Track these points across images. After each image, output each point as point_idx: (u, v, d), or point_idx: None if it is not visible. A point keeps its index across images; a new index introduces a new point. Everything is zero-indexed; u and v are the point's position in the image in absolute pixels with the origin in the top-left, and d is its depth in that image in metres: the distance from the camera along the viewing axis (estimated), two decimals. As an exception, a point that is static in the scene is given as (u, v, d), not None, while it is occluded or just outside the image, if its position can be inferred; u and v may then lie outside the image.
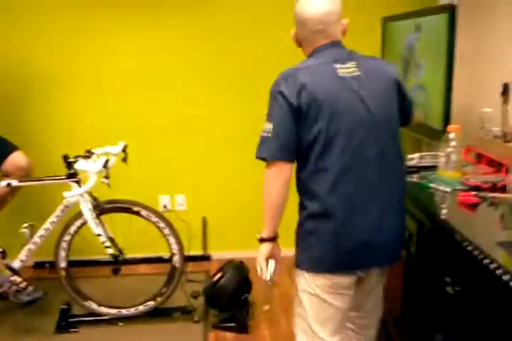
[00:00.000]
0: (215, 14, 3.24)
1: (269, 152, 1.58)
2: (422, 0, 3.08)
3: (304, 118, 1.55)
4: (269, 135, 1.57)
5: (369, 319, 1.84)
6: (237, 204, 3.49)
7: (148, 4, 3.19)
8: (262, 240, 1.68)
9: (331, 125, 1.54)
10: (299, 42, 1.71)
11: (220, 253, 3.45)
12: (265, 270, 1.69)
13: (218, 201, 3.49)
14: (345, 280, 1.63)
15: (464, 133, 2.53)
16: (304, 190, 1.64)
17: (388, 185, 1.63)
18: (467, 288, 1.47)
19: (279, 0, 3.16)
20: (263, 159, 1.61)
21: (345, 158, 1.56)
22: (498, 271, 1.26)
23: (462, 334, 1.52)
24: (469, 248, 1.40)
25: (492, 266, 1.28)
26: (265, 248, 1.68)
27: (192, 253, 3.41)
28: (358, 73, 1.59)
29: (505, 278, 1.22)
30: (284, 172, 1.58)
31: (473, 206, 1.73)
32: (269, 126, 1.58)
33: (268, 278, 1.70)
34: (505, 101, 2.21)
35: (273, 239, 1.68)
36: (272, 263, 1.70)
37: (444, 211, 1.81)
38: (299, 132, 1.57)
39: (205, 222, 3.51)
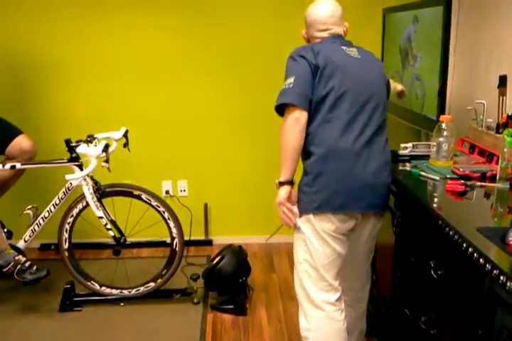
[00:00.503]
0: (218, 5, 3.28)
1: (291, 98, 1.78)
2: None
3: (320, 75, 1.79)
4: (291, 86, 1.78)
5: (362, 291, 2.06)
6: (239, 191, 3.56)
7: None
8: (281, 183, 1.84)
9: (343, 83, 1.80)
10: (308, 40, 2.01)
11: (221, 239, 3.54)
12: (291, 210, 1.85)
13: (220, 187, 3.56)
14: (347, 224, 1.85)
15: (460, 124, 2.59)
16: (312, 139, 1.82)
17: (383, 146, 1.88)
18: (449, 271, 1.54)
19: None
20: (281, 110, 1.81)
21: (352, 111, 1.81)
22: (475, 255, 1.32)
23: (445, 315, 1.60)
24: (451, 233, 1.47)
25: (470, 250, 1.35)
26: (284, 191, 1.84)
27: (194, 238, 3.52)
28: (358, 56, 1.90)
29: (482, 261, 1.29)
30: (301, 120, 1.78)
31: (460, 194, 1.79)
32: (290, 80, 1.80)
33: (299, 223, 1.86)
34: (502, 93, 2.25)
35: (290, 182, 1.84)
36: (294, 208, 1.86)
37: (430, 198, 1.87)
38: (314, 85, 1.80)
39: (206, 208, 3.58)
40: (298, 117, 1.77)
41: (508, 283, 1.17)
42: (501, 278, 1.19)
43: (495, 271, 1.22)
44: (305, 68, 1.80)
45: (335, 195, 1.80)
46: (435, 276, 1.60)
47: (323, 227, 1.83)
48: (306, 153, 1.85)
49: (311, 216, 1.84)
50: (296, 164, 1.84)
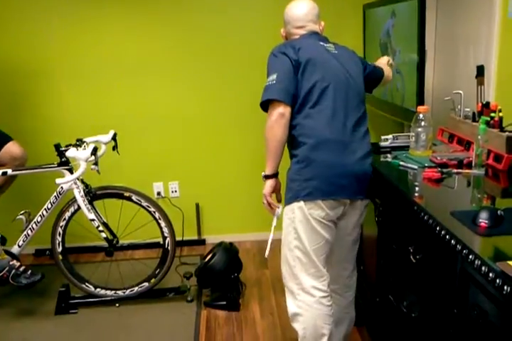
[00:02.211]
0: (196, 4, 3.32)
1: (274, 94, 1.85)
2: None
3: (303, 69, 1.87)
4: (274, 82, 1.86)
5: (350, 278, 2.13)
6: (230, 190, 3.60)
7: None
8: (266, 177, 1.95)
9: (325, 77, 1.88)
10: (286, 38, 2.10)
11: (214, 237, 3.57)
12: (272, 204, 1.98)
13: (211, 187, 3.60)
14: (336, 211, 1.92)
15: (440, 115, 2.64)
16: (300, 130, 1.89)
17: (364, 135, 1.96)
18: (427, 255, 1.58)
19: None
20: (265, 106, 1.89)
21: (336, 103, 1.89)
22: (447, 237, 1.36)
23: (424, 298, 1.64)
24: (426, 218, 1.51)
25: (443, 233, 1.39)
26: (269, 184, 1.96)
27: (187, 238, 3.56)
28: (336, 51, 1.99)
29: (453, 242, 1.33)
30: (285, 114, 1.85)
31: (437, 181, 1.83)
32: (274, 76, 1.87)
33: (278, 212, 1.99)
34: (480, 82, 2.29)
35: (275, 175, 1.96)
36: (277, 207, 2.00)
37: (407, 186, 1.92)
38: (297, 80, 1.87)
39: (198, 208, 3.62)
40: (282, 112, 1.84)
41: (477, 262, 1.21)
42: (470, 257, 1.24)
43: (465, 251, 1.27)
44: (287, 64, 1.87)
45: (325, 182, 1.88)
46: (414, 261, 1.64)
47: (313, 214, 1.89)
48: (294, 143, 1.92)
49: (301, 203, 1.90)
50: (281, 157, 1.92)
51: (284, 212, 1.98)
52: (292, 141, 1.94)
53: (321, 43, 1.98)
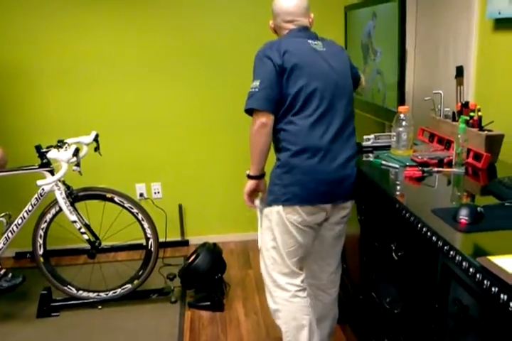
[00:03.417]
0: (180, 6, 3.32)
1: (258, 103, 1.84)
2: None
3: (288, 75, 1.85)
4: (257, 89, 1.84)
5: (335, 275, 2.15)
6: (212, 190, 3.60)
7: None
8: (249, 177, 1.97)
9: (311, 81, 1.86)
10: (275, 30, 2.06)
11: (197, 238, 3.56)
12: (251, 203, 2.03)
13: (194, 188, 3.60)
14: (315, 217, 1.94)
15: (421, 114, 2.67)
16: (283, 135, 1.90)
17: (349, 137, 1.97)
18: (408, 252, 1.60)
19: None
20: (250, 111, 1.88)
21: (322, 107, 1.88)
22: (428, 234, 1.38)
23: (406, 294, 1.66)
24: (407, 215, 1.53)
25: (424, 230, 1.41)
26: (251, 183, 1.99)
27: (170, 239, 3.55)
28: (324, 49, 1.96)
29: (435, 239, 1.35)
30: (268, 123, 1.86)
31: (418, 179, 1.86)
32: (257, 83, 1.85)
33: (257, 204, 2.04)
34: (459, 83, 2.33)
35: (259, 177, 1.98)
36: (258, 198, 2.06)
37: (389, 184, 1.94)
38: (282, 87, 1.85)
39: (181, 209, 3.61)
40: (264, 122, 1.85)
41: (458, 258, 1.23)
42: (451, 253, 1.26)
43: (446, 247, 1.29)
44: (271, 71, 1.84)
45: (303, 189, 1.90)
46: (396, 258, 1.66)
47: (290, 219, 1.92)
48: (278, 146, 1.94)
49: (280, 207, 1.93)
50: (265, 162, 1.94)
51: (265, 212, 2.01)
52: (276, 145, 1.96)
53: (309, 41, 1.95)
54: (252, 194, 2.03)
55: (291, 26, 1.99)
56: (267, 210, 1.99)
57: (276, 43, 1.92)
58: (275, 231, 1.96)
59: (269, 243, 2.00)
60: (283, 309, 1.99)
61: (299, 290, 2.00)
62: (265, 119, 1.85)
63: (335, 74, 1.93)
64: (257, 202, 2.05)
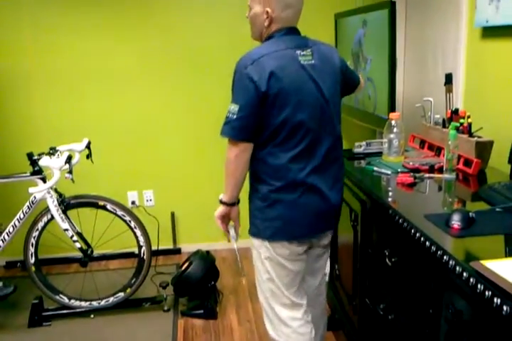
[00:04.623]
0: (170, 11, 3.33)
1: (234, 133, 1.69)
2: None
3: (271, 104, 1.66)
4: (234, 116, 1.67)
5: (320, 287, 2.08)
6: (205, 199, 3.58)
7: (107, 6, 3.26)
8: (221, 202, 1.85)
9: (297, 111, 1.68)
10: (271, 21, 1.73)
11: (189, 246, 3.56)
12: (224, 227, 1.90)
13: (186, 195, 3.59)
14: (301, 248, 1.85)
15: (411, 121, 2.70)
16: (263, 166, 1.76)
17: (333, 161, 1.83)
18: (402, 257, 1.62)
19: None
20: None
21: (307, 139, 1.72)
22: (422, 239, 1.40)
23: (400, 300, 1.67)
24: (400, 221, 1.54)
25: (418, 235, 1.43)
26: (223, 209, 1.86)
27: (162, 247, 3.54)
28: (313, 62, 1.73)
29: (428, 244, 1.37)
30: (246, 151, 1.72)
31: (410, 185, 1.87)
32: (235, 108, 1.67)
33: (231, 239, 1.93)
34: (449, 90, 2.36)
35: (232, 204, 1.84)
36: (232, 227, 1.92)
37: (381, 190, 1.96)
38: (263, 116, 1.68)
39: (173, 217, 3.61)
40: (241, 151, 1.71)
41: (451, 262, 1.24)
42: (445, 258, 1.27)
43: (439, 252, 1.30)
44: (252, 97, 1.65)
45: (288, 224, 1.78)
46: (389, 264, 1.67)
47: (279, 252, 1.82)
48: (258, 177, 1.79)
49: (266, 242, 1.82)
50: (240, 190, 1.81)
51: (254, 244, 1.88)
52: (256, 174, 1.80)
53: (297, 52, 1.70)
54: (224, 220, 1.88)
55: (292, 23, 1.76)
56: (253, 240, 1.86)
57: (260, 59, 1.66)
58: (267, 265, 1.85)
59: (263, 275, 1.88)
60: None
61: (301, 325, 1.90)
62: (242, 149, 1.70)
63: (322, 96, 1.74)
64: (232, 231, 1.92)
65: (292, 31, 1.77)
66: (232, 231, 1.92)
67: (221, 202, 1.85)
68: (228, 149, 1.73)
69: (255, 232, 1.85)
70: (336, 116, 1.82)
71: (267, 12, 1.71)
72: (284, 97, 1.66)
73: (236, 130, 1.68)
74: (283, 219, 1.78)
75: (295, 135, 1.71)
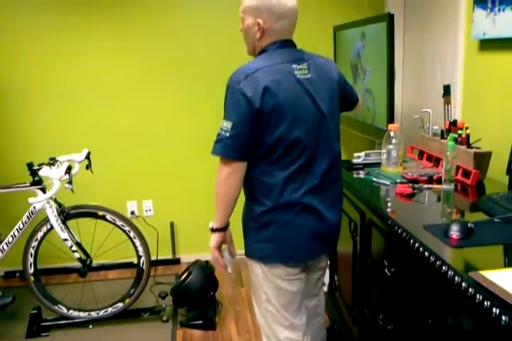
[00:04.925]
0: (171, 17, 3.35)
1: (225, 151, 1.62)
2: (371, 8, 3.31)
3: (266, 121, 1.58)
4: (227, 134, 1.59)
5: (318, 308, 2.02)
6: (204, 209, 3.58)
7: (106, 12, 3.28)
8: (213, 230, 1.75)
9: (293, 128, 1.61)
10: (262, 33, 1.66)
11: (188, 256, 3.55)
12: (220, 257, 1.79)
13: (185, 205, 3.59)
14: (298, 269, 1.78)
15: (410, 132, 2.72)
16: (257, 185, 1.69)
17: (333, 181, 1.76)
18: (401, 268, 1.62)
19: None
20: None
21: (303, 157, 1.65)
22: (421, 249, 1.41)
23: (399, 310, 1.67)
24: (399, 231, 1.55)
25: (416, 245, 1.43)
26: (217, 237, 1.75)
27: (161, 257, 3.53)
28: (309, 75, 1.66)
29: (427, 254, 1.37)
30: (239, 171, 1.64)
31: (408, 196, 1.88)
32: (228, 126, 1.59)
33: (227, 264, 1.82)
34: (447, 101, 2.38)
35: (224, 229, 1.76)
36: (225, 250, 1.81)
37: (380, 201, 1.96)
38: (258, 133, 1.60)
39: (172, 227, 3.61)
40: (234, 170, 1.64)
41: (450, 273, 1.25)
42: (444, 268, 1.28)
43: (438, 263, 1.31)
44: (246, 114, 1.58)
45: (283, 246, 1.72)
46: (389, 274, 1.68)
47: (275, 273, 1.76)
48: (252, 196, 1.74)
49: (260, 263, 1.77)
50: (230, 214, 1.74)
51: (249, 265, 1.83)
52: (250, 193, 1.74)
53: (293, 66, 1.64)
54: (220, 247, 1.79)
55: (287, 35, 1.69)
56: (250, 262, 1.81)
57: (254, 73, 1.59)
58: (264, 286, 1.79)
59: (261, 297, 1.82)
60: None
61: None
62: (235, 168, 1.63)
63: (319, 112, 1.67)
64: (227, 256, 1.81)
65: (287, 44, 1.70)
66: (227, 255, 1.81)
67: (213, 230, 1.76)
68: (219, 169, 1.66)
69: (250, 253, 1.79)
70: (334, 132, 1.73)
71: (259, 23, 1.64)
72: (279, 113, 1.59)
73: (229, 148, 1.61)
74: (277, 241, 1.71)
75: (291, 152, 1.63)
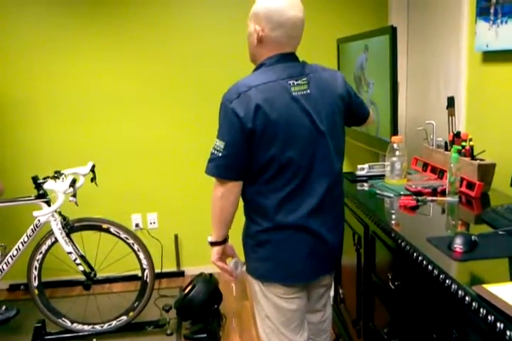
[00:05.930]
0: (174, 35, 3.38)
1: (219, 171, 1.60)
2: (374, 21, 3.32)
3: (259, 140, 1.55)
4: (220, 154, 1.57)
5: (323, 323, 1.97)
6: (208, 221, 3.56)
7: (109, 26, 3.31)
8: (211, 244, 1.75)
9: (286, 148, 1.57)
10: (259, 41, 1.62)
11: (193, 269, 3.54)
12: (226, 268, 1.78)
13: (190, 218, 3.59)
14: (297, 287, 1.74)
15: (414, 144, 2.72)
16: (252, 205, 1.69)
17: (335, 202, 1.73)
18: (405, 281, 1.61)
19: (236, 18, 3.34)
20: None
21: (297, 179, 1.61)
22: (424, 262, 1.40)
23: (403, 324, 1.65)
24: (403, 244, 1.54)
25: (420, 258, 1.42)
26: (216, 250, 1.75)
27: (166, 270, 3.53)
28: (308, 91, 1.59)
29: (430, 267, 1.36)
30: (234, 190, 1.63)
31: (412, 208, 1.88)
32: (220, 145, 1.57)
33: (233, 268, 1.81)
34: (451, 113, 2.38)
35: (223, 242, 1.75)
36: (231, 262, 1.81)
37: (384, 213, 1.95)
38: (251, 153, 1.57)
39: (177, 240, 3.60)
40: (228, 190, 1.63)
41: (453, 286, 1.24)
42: (447, 282, 1.27)
43: (441, 276, 1.30)
44: (238, 133, 1.55)
45: (278, 266, 1.69)
46: (393, 287, 1.66)
47: (272, 292, 1.73)
48: (249, 213, 1.72)
49: (258, 281, 1.75)
50: (228, 228, 1.73)
51: (249, 280, 1.81)
52: (247, 210, 1.73)
53: (290, 82, 1.58)
54: (222, 259, 1.78)
55: (287, 48, 1.62)
56: (250, 279, 1.79)
57: (247, 92, 1.55)
58: (262, 303, 1.77)
59: (261, 312, 1.80)
60: None
61: None
62: (229, 188, 1.62)
63: (317, 129, 1.60)
64: (233, 268, 1.81)
65: (286, 58, 1.62)
66: (233, 266, 1.81)
67: (211, 243, 1.74)
68: (214, 187, 1.65)
69: (248, 270, 1.78)
70: (335, 150, 1.66)
71: (255, 29, 1.60)
72: (272, 133, 1.55)
73: (222, 169, 1.59)
74: (273, 261, 1.69)
75: (283, 174, 1.59)
